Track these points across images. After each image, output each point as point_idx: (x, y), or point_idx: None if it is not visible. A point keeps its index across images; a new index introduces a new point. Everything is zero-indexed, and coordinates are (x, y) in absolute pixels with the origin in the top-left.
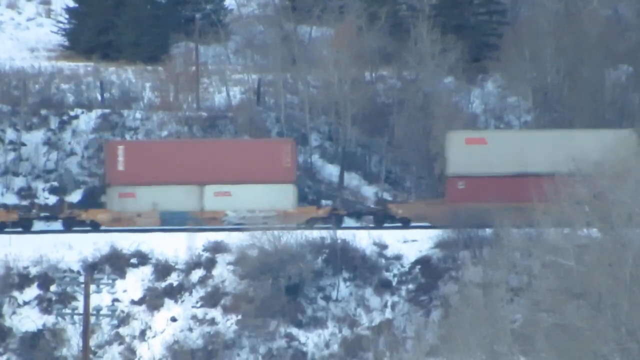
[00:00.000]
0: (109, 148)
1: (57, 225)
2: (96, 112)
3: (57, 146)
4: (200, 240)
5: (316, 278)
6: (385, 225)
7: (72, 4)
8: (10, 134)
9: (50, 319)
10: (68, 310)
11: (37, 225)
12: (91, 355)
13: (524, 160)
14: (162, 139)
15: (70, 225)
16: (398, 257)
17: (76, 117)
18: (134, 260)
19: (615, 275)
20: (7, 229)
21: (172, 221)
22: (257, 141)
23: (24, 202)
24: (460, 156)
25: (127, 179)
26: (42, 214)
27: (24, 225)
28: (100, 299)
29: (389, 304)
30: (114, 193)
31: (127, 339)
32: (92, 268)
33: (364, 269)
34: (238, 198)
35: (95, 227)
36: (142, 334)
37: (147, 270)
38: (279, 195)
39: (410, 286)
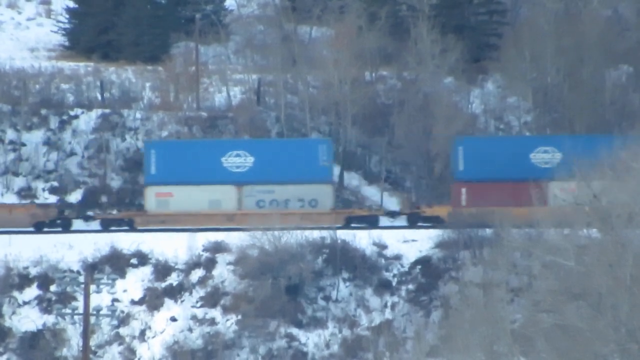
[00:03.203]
0: None
1: None
2: (96, 112)
3: (57, 146)
4: (200, 240)
5: (316, 278)
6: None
7: (72, 4)
8: (10, 134)
9: (50, 319)
10: (68, 310)
11: None
12: (91, 355)
13: None
14: None
15: None
16: (398, 257)
17: (76, 117)
18: (134, 261)
19: (615, 276)
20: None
21: None
22: None
23: None
24: None
25: None
26: None
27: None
28: (100, 299)
29: (389, 304)
30: None
31: (127, 339)
32: (92, 268)
33: (363, 269)
34: None
35: None
36: (142, 334)
37: (147, 270)
38: None
39: (410, 286)
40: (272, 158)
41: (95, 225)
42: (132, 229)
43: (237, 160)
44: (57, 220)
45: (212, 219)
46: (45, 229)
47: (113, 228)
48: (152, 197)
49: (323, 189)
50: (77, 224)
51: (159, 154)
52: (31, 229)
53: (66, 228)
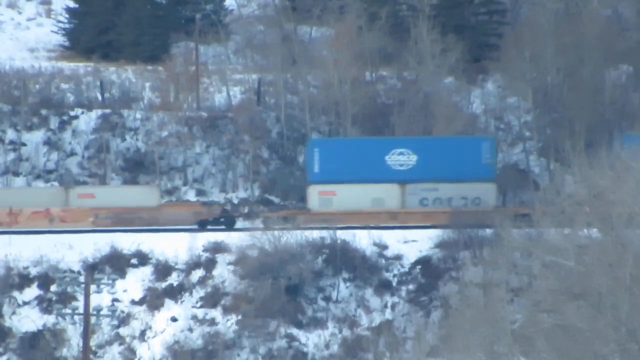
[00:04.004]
0: None
1: None
2: (96, 112)
3: (57, 146)
4: (201, 240)
5: (316, 278)
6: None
7: (72, 4)
8: (10, 134)
9: (50, 319)
10: (68, 311)
11: None
12: (91, 356)
13: None
14: None
15: None
16: (398, 258)
17: (76, 117)
18: (134, 261)
19: (615, 276)
20: None
21: None
22: None
23: None
24: None
25: None
26: None
27: None
28: (101, 299)
29: (389, 304)
30: None
31: (127, 339)
32: (93, 268)
33: (364, 270)
34: None
35: None
36: (142, 334)
37: (147, 271)
38: None
39: (411, 286)
40: (436, 156)
41: (258, 223)
42: (295, 227)
43: (401, 158)
44: (221, 219)
45: (375, 218)
46: (209, 227)
47: (276, 226)
48: (315, 196)
49: (486, 187)
50: (240, 222)
51: (322, 153)
52: (194, 226)
53: (229, 226)
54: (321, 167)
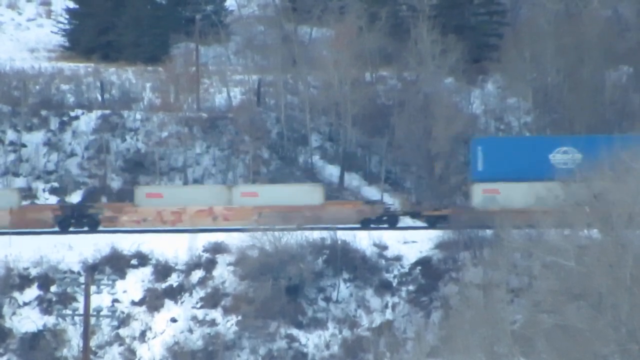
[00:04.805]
0: None
1: None
2: (96, 113)
3: (57, 147)
4: (201, 240)
5: (316, 279)
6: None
7: (72, 5)
8: (10, 135)
9: (50, 320)
10: (68, 311)
11: None
12: (91, 356)
13: None
14: None
15: None
16: (398, 258)
17: (76, 117)
18: (134, 261)
19: (615, 276)
20: None
21: None
22: None
23: None
24: None
25: None
26: None
27: None
28: (101, 299)
29: (389, 304)
30: None
31: (127, 340)
32: (93, 269)
33: (364, 270)
34: None
35: None
36: (142, 334)
37: (147, 271)
38: None
39: (411, 287)
40: (600, 155)
41: (420, 221)
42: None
43: (565, 157)
44: (384, 217)
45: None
46: (372, 226)
47: (439, 225)
48: (479, 194)
49: None
50: (404, 220)
51: (485, 151)
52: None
53: (392, 225)
54: (485, 165)
